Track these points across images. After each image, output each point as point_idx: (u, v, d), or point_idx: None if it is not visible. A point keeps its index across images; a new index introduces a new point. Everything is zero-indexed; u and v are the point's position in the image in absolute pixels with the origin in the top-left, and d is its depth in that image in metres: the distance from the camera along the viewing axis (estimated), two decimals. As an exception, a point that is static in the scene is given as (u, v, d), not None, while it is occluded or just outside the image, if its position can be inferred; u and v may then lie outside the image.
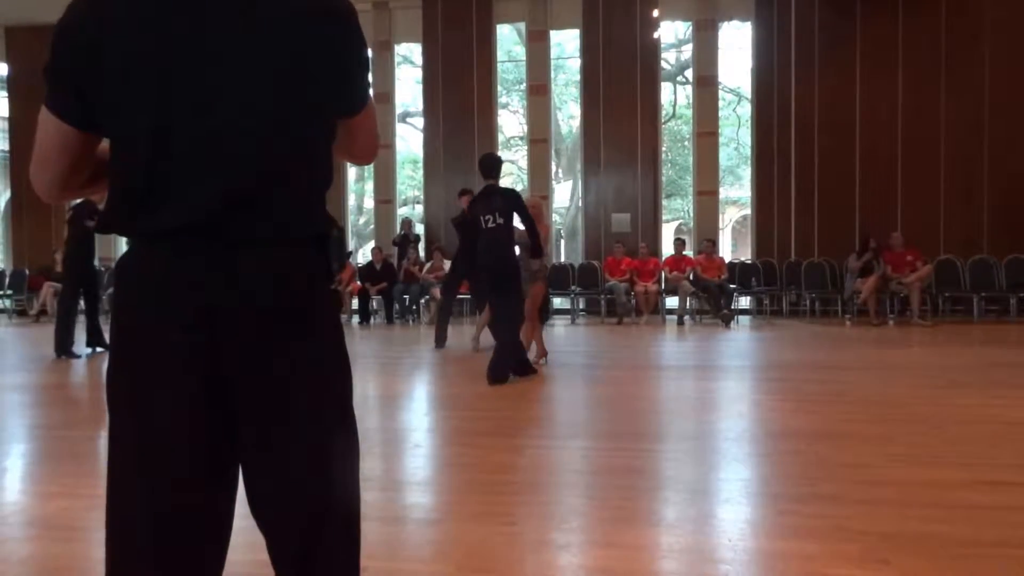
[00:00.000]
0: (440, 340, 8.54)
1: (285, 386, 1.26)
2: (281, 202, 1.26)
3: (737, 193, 24.08)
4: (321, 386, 1.31)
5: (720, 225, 15.30)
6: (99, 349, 8.38)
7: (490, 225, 6.08)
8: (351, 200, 14.72)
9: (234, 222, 1.21)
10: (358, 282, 12.17)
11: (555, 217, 16.49)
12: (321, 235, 1.33)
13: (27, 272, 13.76)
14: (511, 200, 6.22)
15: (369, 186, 19.30)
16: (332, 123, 1.35)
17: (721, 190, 14.58)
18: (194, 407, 1.22)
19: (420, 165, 15.15)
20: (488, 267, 6.17)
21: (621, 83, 13.00)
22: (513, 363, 6.10)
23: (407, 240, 12.78)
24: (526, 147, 14.77)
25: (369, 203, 19.61)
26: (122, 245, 11.48)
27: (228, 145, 1.21)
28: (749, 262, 12.57)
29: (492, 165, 6.25)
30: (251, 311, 1.23)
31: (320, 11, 1.27)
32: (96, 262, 8.70)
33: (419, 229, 13.88)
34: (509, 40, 19.31)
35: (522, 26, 14.87)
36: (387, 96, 14.00)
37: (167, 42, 1.18)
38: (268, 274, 1.24)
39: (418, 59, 15.03)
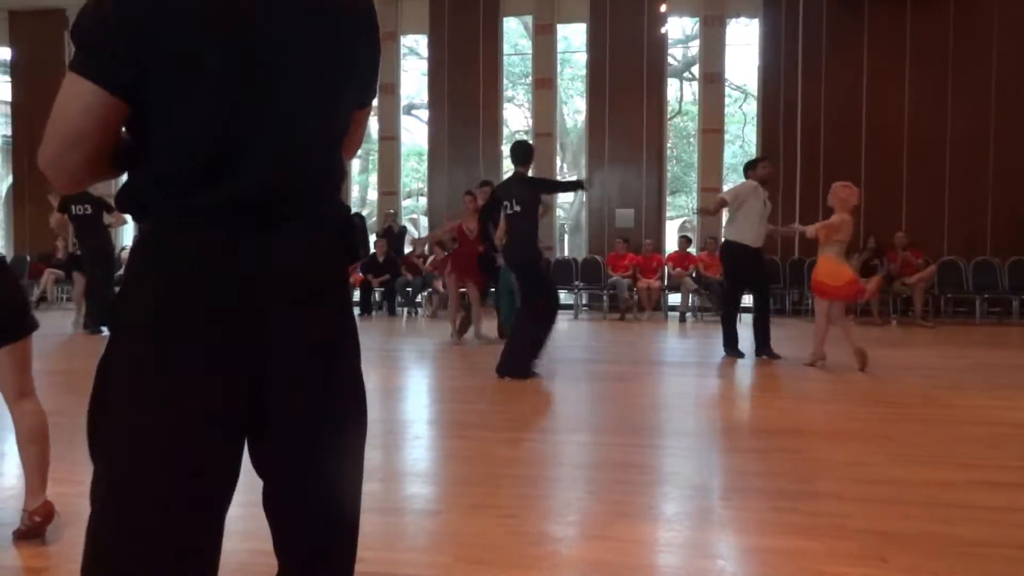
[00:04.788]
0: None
1: (319, 377, 1.28)
2: (320, 187, 1.30)
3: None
4: (350, 378, 1.35)
5: (724, 222, 15.24)
6: (104, 330, 8.42)
7: (508, 212, 6.07)
8: (355, 191, 14.70)
9: (280, 205, 1.23)
10: (359, 273, 12.16)
11: (559, 212, 16.43)
12: (348, 220, 1.36)
13: (28, 259, 13.73)
14: (532, 187, 6.24)
15: (373, 178, 19.29)
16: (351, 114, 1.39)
17: (725, 187, 14.53)
18: (228, 386, 1.21)
19: (425, 157, 15.13)
20: (511, 256, 6.19)
21: (627, 78, 12.94)
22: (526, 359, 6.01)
23: (391, 232, 12.69)
24: (531, 141, 14.75)
25: (373, 195, 19.60)
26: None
27: (284, 129, 1.22)
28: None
29: (517, 152, 6.24)
30: (290, 293, 1.24)
31: (357, 7, 1.32)
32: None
33: (423, 222, 13.85)
34: (515, 33, 19.23)
35: (529, 19, 14.81)
36: (392, 87, 13.97)
37: (236, 25, 1.18)
38: (307, 257, 1.26)
39: (424, 51, 14.98)
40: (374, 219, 13.99)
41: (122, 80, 1.15)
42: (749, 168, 7.43)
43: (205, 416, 1.19)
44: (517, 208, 6.02)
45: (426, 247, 12.30)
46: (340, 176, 1.35)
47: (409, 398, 5.51)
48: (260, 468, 1.32)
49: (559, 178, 16.09)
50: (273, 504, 1.33)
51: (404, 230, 13.37)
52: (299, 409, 1.27)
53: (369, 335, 9.44)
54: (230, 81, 1.17)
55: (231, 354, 1.20)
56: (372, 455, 3.84)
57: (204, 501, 1.22)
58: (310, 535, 1.33)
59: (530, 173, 6.35)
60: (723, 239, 7.55)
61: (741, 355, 7.13)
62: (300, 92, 1.24)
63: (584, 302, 12.45)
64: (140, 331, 1.19)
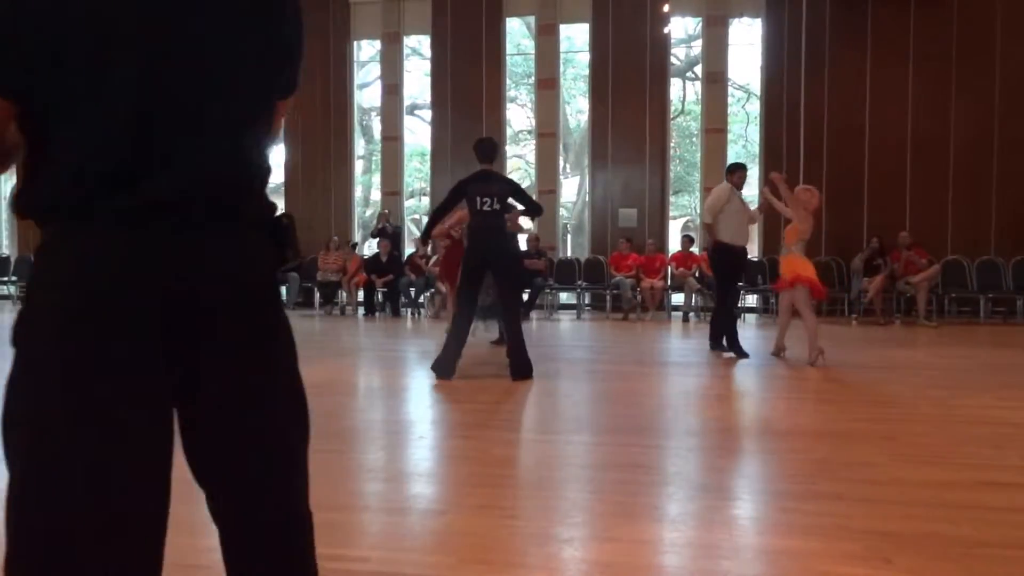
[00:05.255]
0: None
1: (251, 378, 1.24)
2: (247, 185, 1.24)
3: (744, 191, 23.96)
4: (286, 377, 1.30)
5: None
6: None
7: (486, 209, 6.08)
8: (358, 192, 14.70)
9: (205, 204, 1.17)
10: (363, 274, 12.18)
11: (562, 212, 16.42)
12: (276, 220, 1.31)
13: (32, 259, 13.74)
14: (510, 186, 6.30)
15: (376, 178, 19.30)
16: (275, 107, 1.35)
17: (728, 187, 14.49)
18: (157, 395, 1.15)
19: (427, 158, 15.13)
20: (487, 252, 6.12)
21: (630, 78, 12.94)
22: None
23: (384, 232, 12.65)
24: (534, 141, 14.73)
25: (376, 195, 19.60)
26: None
27: (208, 127, 1.17)
28: (755, 259, 12.52)
29: (492, 149, 6.28)
30: (219, 295, 1.19)
31: (283, 1, 1.28)
32: None
33: (425, 222, 13.84)
34: (518, 33, 19.22)
35: (531, 19, 14.79)
36: (395, 88, 13.98)
37: (153, 22, 1.12)
38: (236, 258, 1.21)
39: (427, 51, 14.97)
40: (375, 221, 14.00)
41: (16, 76, 1.08)
42: (728, 172, 7.98)
43: (136, 420, 1.13)
44: (497, 206, 6.06)
45: (429, 247, 12.31)
46: (266, 173, 1.29)
47: (412, 398, 5.51)
48: (197, 474, 1.27)
49: (561, 178, 16.07)
50: (217, 508, 1.28)
51: (398, 230, 13.36)
52: (233, 411, 1.22)
53: (372, 336, 9.46)
54: (150, 79, 1.11)
55: (159, 360, 1.14)
56: (376, 455, 3.85)
57: (136, 506, 1.14)
58: (262, 536, 1.29)
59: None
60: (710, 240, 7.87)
61: (745, 355, 7.14)
62: (225, 89, 1.19)
63: (587, 302, 12.46)
64: (56, 339, 1.10)
